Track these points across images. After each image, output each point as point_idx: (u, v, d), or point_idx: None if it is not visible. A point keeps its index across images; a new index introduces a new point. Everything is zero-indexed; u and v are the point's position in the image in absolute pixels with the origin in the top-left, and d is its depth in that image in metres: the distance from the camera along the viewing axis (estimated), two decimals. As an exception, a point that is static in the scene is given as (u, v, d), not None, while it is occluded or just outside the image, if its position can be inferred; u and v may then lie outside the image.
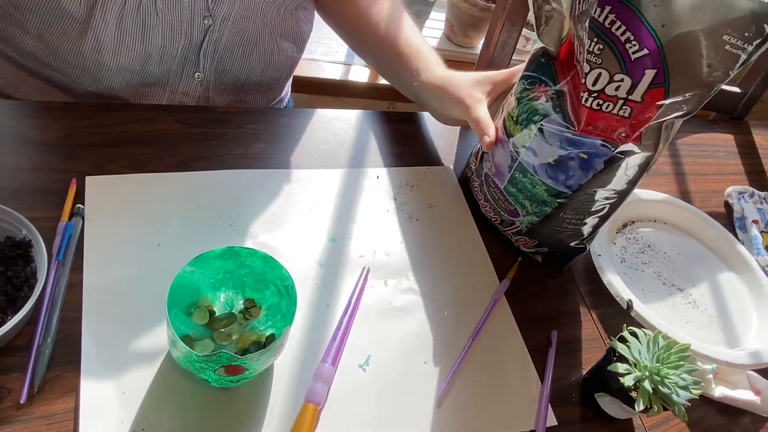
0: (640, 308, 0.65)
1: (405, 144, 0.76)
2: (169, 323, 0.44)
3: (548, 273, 0.68)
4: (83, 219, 0.56)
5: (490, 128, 0.63)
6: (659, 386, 0.50)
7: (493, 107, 0.67)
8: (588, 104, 0.53)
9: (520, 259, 0.67)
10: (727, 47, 0.48)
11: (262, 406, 0.50)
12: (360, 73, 1.30)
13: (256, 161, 0.67)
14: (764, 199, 0.88)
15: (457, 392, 0.55)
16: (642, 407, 0.50)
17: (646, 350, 0.53)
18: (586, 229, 0.62)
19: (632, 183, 0.57)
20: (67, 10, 0.63)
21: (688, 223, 0.80)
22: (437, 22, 1.45)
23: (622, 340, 0.54)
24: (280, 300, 0.51)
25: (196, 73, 0.73)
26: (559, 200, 0.59)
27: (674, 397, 0.50)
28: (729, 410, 0.62)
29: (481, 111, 0.64)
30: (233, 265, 0.51)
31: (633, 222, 0.79)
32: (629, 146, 0.53)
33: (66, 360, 0.48)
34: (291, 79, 0.91)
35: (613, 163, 0.55)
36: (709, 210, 0.82)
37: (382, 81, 1.30)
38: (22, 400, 0.45)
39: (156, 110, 0.69)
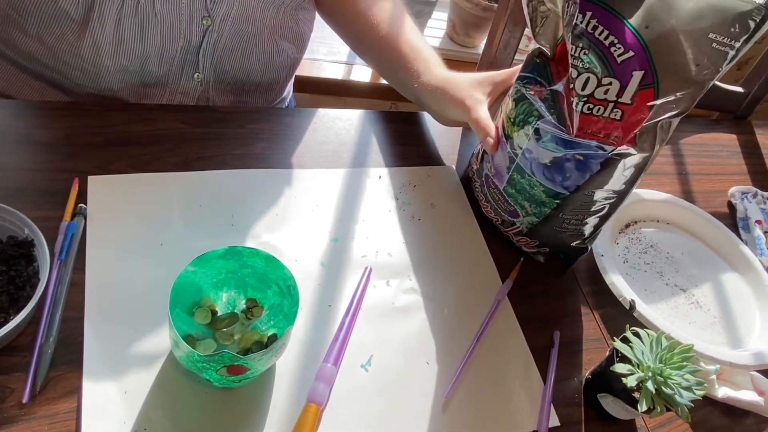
0: (643, 309, 0.65)
1: (407, 144, 0.76)
2: (171, 323, 0.44)
3: (550, 273, 0.68)
4: (85, 219, 0.56)
5: (492, 129, 0.62)
6: (662, 387, 0.50)
7: (494, 108, 0.67)
8: (579, 109, 0.53)
9: (522, 259, 0.67)
10: (714, 45, 0.48)
11: (264, 406, 0.50)
12: (362, 73, 1.30)
13: (258, 161, 0.67)
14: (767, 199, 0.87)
15: (460, 393, 0.55)
16: (645, 408, 0.50)
17: (648, 351, 0.53)
18: (587, 229, 0.62)
19: (630, 183, 0.57)
20: (65, 11, 0.63)
21: (691, 224, 0.80)
22: (439, 21, 1.45)
23: (625, 340, 0.54)
24: (282, 300, 0.51)
25: (196, 74, 0.73)
26: (557, 201, 0.59)
27: (677, 397, 0.50)
28: (732, 411, 0.62)
29: (482, 112, 0.64)
30: (235, 265, 0.51)
31: (636, 222, 0.79)
32: (624, 148, 0.53)
33: (68, 360, 0.48)
34: (293, 80, 0.91)
35: (609, 164, 0.54)
36: (712, 210, 0.82)
37: (384, 81, 1.30)
38: (25, 400, 0.45)
39: (158, 110, 0.69)
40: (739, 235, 0.82)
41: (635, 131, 0.53)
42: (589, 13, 0.50)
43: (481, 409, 0.54)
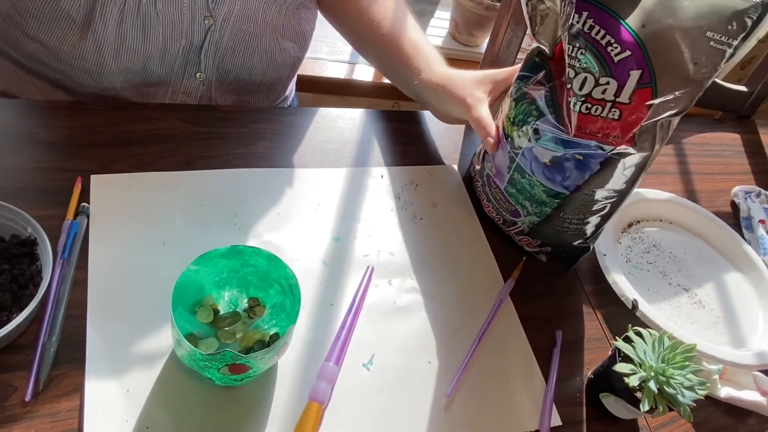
0: (646, 308, 0.65)
1: (409, 143, 0.76)
2: (173, 322, 0.44)
3: (553, 272, 0.68)
4: (88, 218, 0.56)
5: (492, 129, 0.62)
6: (664, 387, 0.50)
7: (495, 106, 0.67)
8: (577, 109, 0.53)
9: (524, 258, 0.67)
10: (712, 43, 0.48)
11: (266, 404, 0.50)
12: (364, 72, 1.30)
13: (260, 160, 0.67)
14: (771, 198, 0.87)
15: (462, 392, 0.55)
16: (647, 408, 0.50)
17: (651, 350, 0.53)
18: (589, 229, 0.62)
19: (631, 182, 0.57)
20: (66, 12, 0.63)
21: (694, 223, 0.80)
22: (442, 20, 1.45)
23: (628, 340, 0.54)
24: (284, 299, 0.51)
25: (198, 73, 0.73)
26: (557, 201, 0.59)
27: (679, 397, 0.50)
28: (735, 411, 0.62)
29: (483, 111, 0.64)
30: (237, 264, 0.51)
31: (638, 221, 0.78)
32: (624, 148, 0.53)
33: (71, 358, 0.48)
34: (295, 79, 0.91)
35: (609, 164, 0.54)
36: (715, 210, 0.82)
37: (387, 80, 1.29)
38: (28, 398, 0.45)
39: (160, 109, 0.69)
40: (742, 235, 0.82)
41: (634, 130, 0.52)
42: (585, 13, 0.50)
43: (483, 409, 0.54)
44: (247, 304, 0.53)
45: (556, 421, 0.55)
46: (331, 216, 0.65)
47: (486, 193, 0.67)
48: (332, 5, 0.78)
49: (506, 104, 0.61)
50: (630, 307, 0.65)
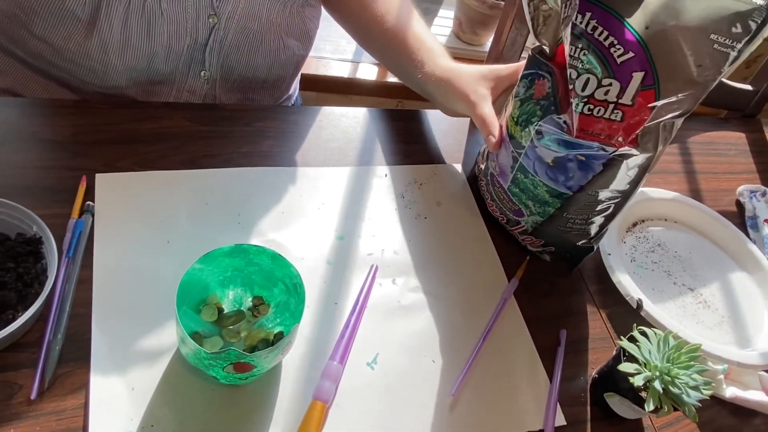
0: (650, 308, 0.64)
1: (413, 142, 0.76)
2: (178, 320, 0.44)
3: (557, 272, 0.67)
4: (93, 216, 0.56)
5: (495, 127, 0.62)
6: (669, 386, 0.50)
7: (498, 103, 0.67)
8: (578, 110, 0.52)
9: (528, 258, 0.67)
10: (716, 46, 0.47)
11: (271, 403, 0.50)
12: (368, 71, 1.30)
13: (265, 159, 0.67)
14: (776, 198, 0.87)
15: (466, 391, 0.55)
16: (652, 407, 0.50)
17: (656, 350, 0.53)
18: (593, 229, 0.61)
19: (635, 183, 0.56)
20: (72, 10, 0.63)
21: (699, 222, 0.79)
22: (446, 19, 1.45)
23: (632, 339, 0.54)
24: (289, 297, 0.51)
25: (202, 71, 0.73)
26: (560, 201, 0.59)
27: (685, 397, 0.50)
28: (740, 411, 0.61)
29: (486, 109, 0.64)
30: (242, 263, 0.51)
31: (643, 221, 0.78)
32: (627, 149, 0.53)
33: (76, 356, 0.48)
34: (299, 78, 0.91)
35: (612, 164, 0.54)
36: (720, 209, 0.81)
37: (391, 79, 1.30)
38: (33, 396, 0.45)
39: (164, 108, 0.69)
40: (747, 234, 0.81)
41: (637, 132, 0.52)
42: (588, 14, 0.50)
43: (487, 408, 0.54)
44: (251, 303, 0.53)
45: (560, 420, 0.55)
46: (335, 215, 0.65)
47: (490, 192, 0.67)
48: (337, 1, 0.78)
49: (510, 104, 0.61)
50: (635, 306, 0.65)
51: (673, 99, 0.50)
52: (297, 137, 0.71)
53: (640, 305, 0.64)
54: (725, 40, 0.47)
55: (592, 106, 0.52)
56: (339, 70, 1.28)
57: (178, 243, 0.57)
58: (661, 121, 0.51)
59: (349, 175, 0.69)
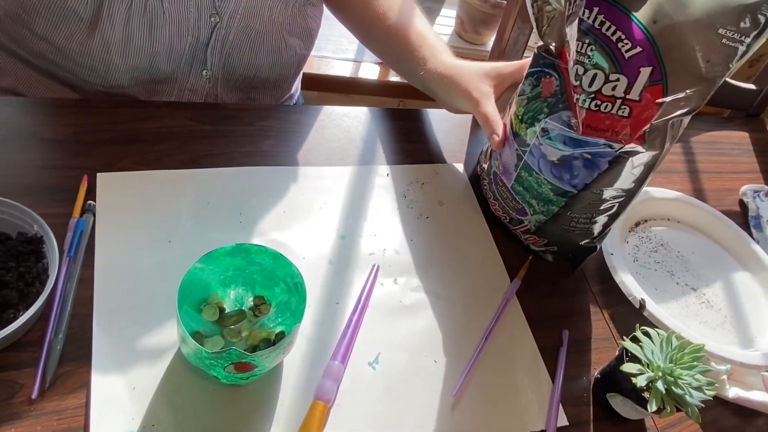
0: (653, 308, 0.64)
1: (415, 141, 0.76)
2: (179, 320, 0.44)
3: (559, 272, 0.67)
4: (94, 215, 0.56)
5: (498, 126, 0.62)
6: (672, 387, 0.50)
7: (501, 101, 0.67)
8: (585, 105, 0.52)
9: (530, 257, 0.67)
10: (724, 41, 0.47)
11: (272, 403, 0.50)
12: (370, 71, 1.30)
13: (266, 158, 0.67)
14: (780, 197, 0.86)
15: (468, 391, 0.55)
16: (654, 408, 0.49)
17: (659, 350, 0.52)
18: (596, 228, 0.61)
19: (640, 181, 0.56)
20: (74, 10, 0.64)
21: (702, 222, 0.79)
22: (448, 19, 1.45)
23: (635, 340, 0.53)
24: (290, 297, 0.51)
25: (204, 71, 0.73)
26: (564, 199, 0.58)
27: (687, 398, 0.50)
28: (743, 411, 0.61)
29: (489, 107, 0.64)
30: (243, 262, 0.51)
31: (646, 221, 0.78)
32: (633, 146, 0.53)
33: (77, 355, 0.48)
34: (300, 77, 0.91)
35: (617, 162, 0.54)
36: (723, 208, 0.81)
37: (393, 78, 1.30)
38: (34, 395, 0.45)
39: (166, 107, 0.69)
40: (750, 234, 0.81)
41: (644, 129, 0.52)
42: (596, 9, 0.49)
43: (489, 408, 0.54)
44: (252, 303, 0.53)
45: (562, 421, 0.55)
46: (337, 214, 0.64)
47: (493, 191, 0.67)
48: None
49: (515, 102, 0.61)
50: (637, 306, 0.64)
51: (681, 95, 0.50)
52: (299, 136, 0.71)
53: (642, 305, 0.64)
54: (734, 34, 0.47)
55: (599, 102, 0.52)
56: (341, 69, 1.28)
57: (180, 242, 0.57)
58: (669, 118, 0.51)
59: (351, 174, 0.69)
